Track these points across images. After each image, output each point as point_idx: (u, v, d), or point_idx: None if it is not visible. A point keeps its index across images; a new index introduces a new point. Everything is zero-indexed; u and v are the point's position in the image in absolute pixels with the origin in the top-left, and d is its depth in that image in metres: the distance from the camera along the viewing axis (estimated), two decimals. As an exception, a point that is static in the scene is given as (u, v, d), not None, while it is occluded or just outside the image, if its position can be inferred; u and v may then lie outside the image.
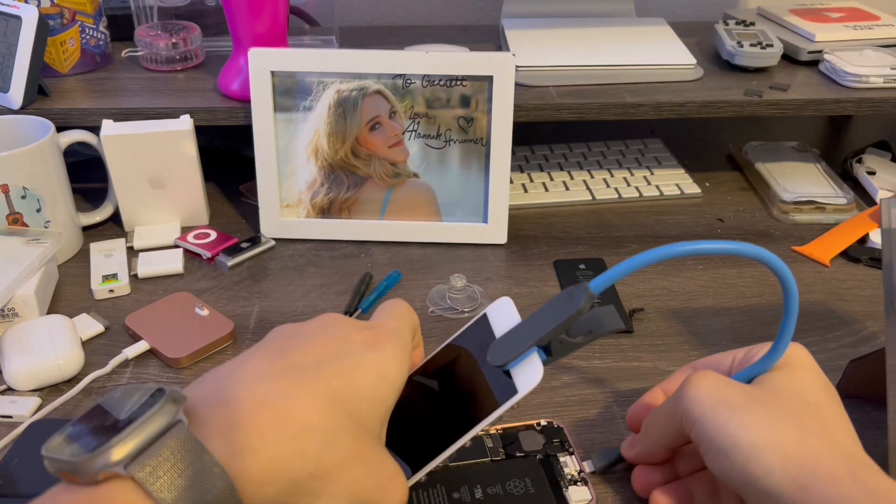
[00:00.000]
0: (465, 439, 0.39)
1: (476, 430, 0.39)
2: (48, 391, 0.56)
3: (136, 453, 0.28)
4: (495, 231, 0.74)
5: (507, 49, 0.85)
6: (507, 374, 0.39)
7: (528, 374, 0.38)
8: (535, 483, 0.46)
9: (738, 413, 0.37)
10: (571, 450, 0.48)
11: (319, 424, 0.32)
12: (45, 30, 0.75)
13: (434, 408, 0.42)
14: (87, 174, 0.82)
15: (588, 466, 0.47)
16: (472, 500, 0.45)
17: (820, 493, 0.34)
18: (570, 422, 0.52)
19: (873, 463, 0.36)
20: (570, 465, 0.47)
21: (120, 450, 0.28)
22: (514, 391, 0.38)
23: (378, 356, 0.36)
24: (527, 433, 0.49)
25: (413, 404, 0.42)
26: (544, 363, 0.39)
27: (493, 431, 0.49)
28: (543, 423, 0.50)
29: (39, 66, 0.75)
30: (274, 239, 0.75)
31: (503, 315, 0.42)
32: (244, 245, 0.73)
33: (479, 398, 0.40)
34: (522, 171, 0.87)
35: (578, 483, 0.46)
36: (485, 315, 0.43)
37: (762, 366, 0.41)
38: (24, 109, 0.74)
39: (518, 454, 0.48)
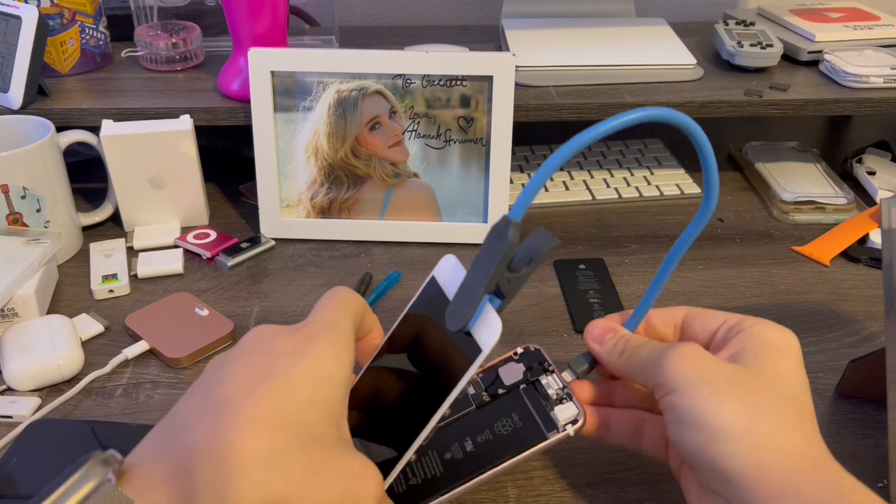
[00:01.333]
0: (441, 411, 0.38)
1: (451, 399, 0.38)
2: (48, 391, 0.56)
3: None
4: (495, 231, 0.74)
5: (507, 49, 0.85)
6: (469, 334, 0.38)
7: (488, 329, 0.37)
8: (521, 416, 0.44)
9: (718, 394, 0.37)
10: (551, 368, 0.45)
11: (260, 452, 0.31)
12: (44, 30, 0.75)
13: (410, 384, 0.41)
14: (87, 174, 0.82)
15: (568, 376, 0.45)
16: (464, 455, 0.43)
17: (784, 484, 0.34)
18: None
19: (838, 464, 0.36)
20: (552, 384, 0.44)
21: None
22: (478, 350, 0.37)
23: (310, 359, 0.34)
24: (506, 367, 0.47)
25: (386, 386, 0.41)
26: (500, 308, 0.38)
27: (474, 378, 0.47)
28: (520, 350, 0.47)
29: (39, 66, 0.75)
30: (274, 239, 0.75)
31: (451, 274, 0.41)
32: (244, 245, 0.73)
33: (448, 364, 0.39)
34: (522, 171, 0.87)
35: (563, 400, 0.43)
36: (433, 278, 0.42)
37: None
38: (23, 109, 0.74)
39: (501, 391, 0.46)
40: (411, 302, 0.43)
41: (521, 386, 0.45)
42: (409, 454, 0.39)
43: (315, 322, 0.37)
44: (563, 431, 0.42)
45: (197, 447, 0.31)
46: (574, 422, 0.42)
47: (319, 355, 0.35)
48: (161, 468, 0.31)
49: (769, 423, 0.36)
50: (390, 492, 0.42)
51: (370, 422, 0.41)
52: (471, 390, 0.46)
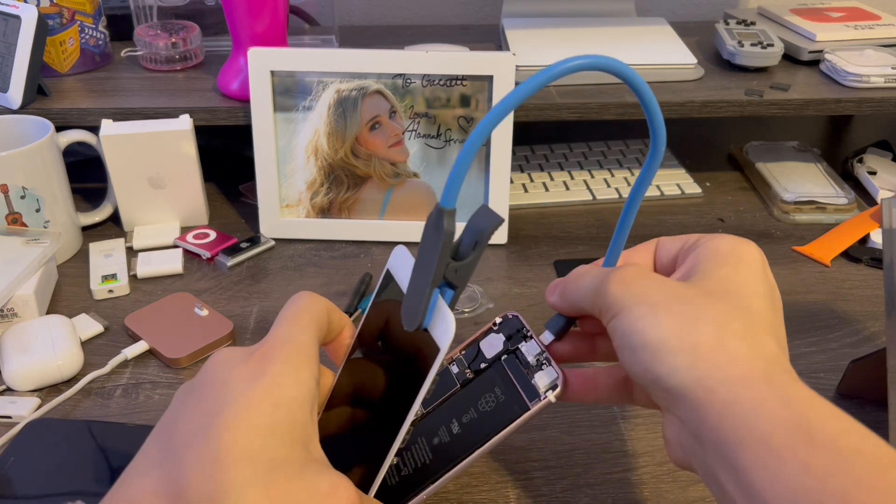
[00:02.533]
0: (412, 414, 0.37)
1: (419, 401, 0.37)
2: (48, 391, 0.56)
3: None
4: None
5: (507, 49, 0.85)
6: (427, 330, 0.36)
7: (443, 325, 0.35)
8: (503, 389, 0.42)
9: (654, 311, 0.34)
10: (529, 333, 0.43)
11: (223, 490, 0.30)
12: (44, 29, 0.75)
13: (386, 379, 0.40)
14: (87, 174, 0.82)
15: (546, 338, 0.43)
16: (451, 437, 0.42)
17: (728, 397, 0.31)
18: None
19: (793, 371, 0.34)
20: (531, 350, 0.42)
21: None
22: (436, 349, 0.35)
23: (265, 382, 0.33)
24: (487, 339, 0.44)
25: (364, 384, 0.40)
26: (455, 299, 0.36)
27: (456, 355, 0.45)
28: (499, 320, 0.45)
29: (39, 66, 0.75)
30: (274, 239, 0.74)
31: (404, 266, 0.39)
32: (244, 245, 0.73)
33: (415, 361, 0.37)
34: (522, 171, 0.87)
35: (543, 366, 0.41)
36: (388, 271, 0.41)
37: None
38: (23, 109, 0.74)
39: (483, 366, 0.43)
40: (371, 298, 0.42)
41: (503, 357, 0.43)
42: (389, 458, 0.38)
43: (271, 340, 0.36)
44: (543, 399, 0.40)
45: (155, 492, 0.31)
46: (554, 387, 0.40)
47: (276, 376, 0.33)
48: None
49: (710, 334, 0.33)
50: (383, 485, 0.41)
51: (353, 422, 0.40)
52: (454, 369, 0.44)
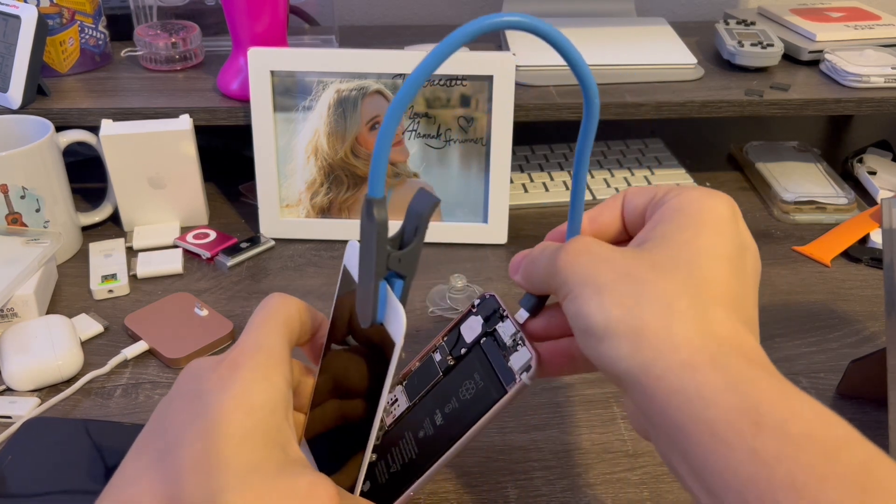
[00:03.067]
0: (379, 413, 0.36)
1: (383, 401, 0.36)
2: (47, 391, 0.56)
3: None
4: (495, 231, 0.74)
5: (507, 49, 0.85)
6: (382, 325, 0.36)
7: (395, 319, 0.35)
8: (482, 374, 0.40)
9: (602, 293, 0.32)
10: (505, 313, 0.41)
11: (197, 498, 0.30)
12: (44, 29, 0.75)
13: (365, 371, 0.39)
14: (87, 174, 0.82)
15: (521, 316, 0.41)
16: (434, 430, 0.41)
17: (673, 384, 0.29)
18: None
19: (749, 346, 0.31)
20: (507, 330, 0.40)
21: None
22: (392, 344, 0.35)
23: (235, 389, 0.33)
24: (467, 322, 0.43)
25: (341, 380, 0.40)
26: (405, 289, 0.36)
27: (438, 342, 0.44)
28: (477, 301, 0.43)
29: (39, 66, 0.75)
30: (273, 239, 0.74)
31: (353, 259, 0.38)
32: (244, 245, 0.73)
33: (379, 356, 0.37)
34: (523, 171, 0.87)
35: (518, 346, 0.39)
36: (345, 268, 0.40)
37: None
38: (23, 109, 0.74)
39: (464, 351, 0.42)
40: (335, 297, 0.41)
41: (482, 340, 0.41)
42: (367, 455, 0.37)
43: (240, 346, 0.35)
44: (518, 382, 0.38)
45: (149, 501, 0.31)
46: (528, 368, 0.38)
47: (246, 383, 0.33)
48: None
49: (656, 316, 0.31)
50: (374, 483, 0.41)
51: (337, 419, 0.40)
52: (437, 357, 0.43)
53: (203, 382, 0.34)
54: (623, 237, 0.39)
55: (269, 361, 0.35)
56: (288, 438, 0.34)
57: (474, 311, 0.42)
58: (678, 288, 0.31)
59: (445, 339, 0.43)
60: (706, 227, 0.34)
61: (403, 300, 0.36)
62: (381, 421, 0.39)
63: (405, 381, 0.43)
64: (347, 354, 0.40)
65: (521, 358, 0.38)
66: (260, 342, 0.36)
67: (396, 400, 0.43)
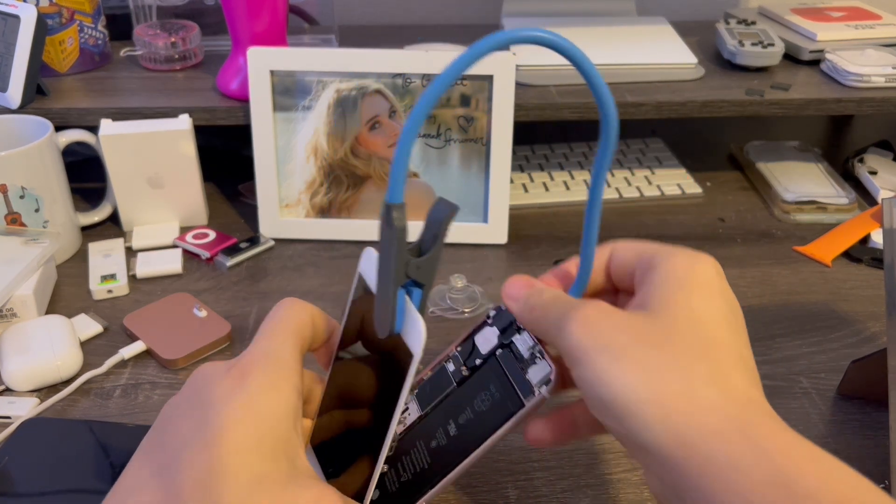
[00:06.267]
0: (394, 423, 0.36)
1: (398, 411, 0.36)
2: (47, 392, 0.55)
3: None
4: (495, 231, 0.74)
5: (508, 48, 0.85)
6: (400, 335, 0.35)
7: (414, 330, 0.34)
8: (498, 386, 0.40)
9: (621, 360, 0.32)
10: (522, 325, 0.41)
11: None
12: (43, 29, 0.75)
13: (375, 381, 0.39)
14: (86, 174, 0.81)
15: None
16: (448, 440, 0.41)
17: (705, 454, 0.29)
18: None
19: (770, 412, 0.31)
20: (525, 342, 0.40)
21: None
22: (410, 355, 0.34)
23: (245, 398, 0.33)
24: (482, 333, 0.43)
25: (352, 388, 0.40)
26: (423, 297, 0.35)
27: (452, 352, 0.44)
28: (493, 312, 0.43)
29: (38, 66, 0.75)
30: (273, 239, 0.74)
31: (370, 267, 0.38)
32: (243, 245, 0.73)
33: (395, 368, 0.36)
34: (523, 171, 0.87)
35: (536, 359, 0.39)
36: (359, 275, 0.40)
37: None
38: (22, 109, 0.74)
39: (479, 362, 0.42)
40: (347, 305, 0.41)
41: (498, 351, 0.41)
42: (379, 466, 0.37)
43: (251, 354, 0.35)
44: (537, 395, 0.37)
45: None
46: (547, 381, 0.37)
47: (256, 391, 0.33)
48: None
49: (679, 382, 0.31)
50: (384, 492, 0.41)
51: (345, 427, 0.40)
52: (450, 367, 0.43)
53: (211, 390, 0.34)
54: (606, 290, 0.40)
55: (278, 370, 0.35)
56: (296, 449, 0.34)
57: (489, 322, 0.42)
58: (693, 352, 0.32)
59: (459, 349, 0.43)
60: (699, 288, 0.34)
61: (422, 310, 0.35)
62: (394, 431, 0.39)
63: (416, 389, 0.43)
64: (359, 362, 0.40)
65: (539, 371, 0.38)
66: (269, 350, 0.35)
67: (407, 408, 0.43)
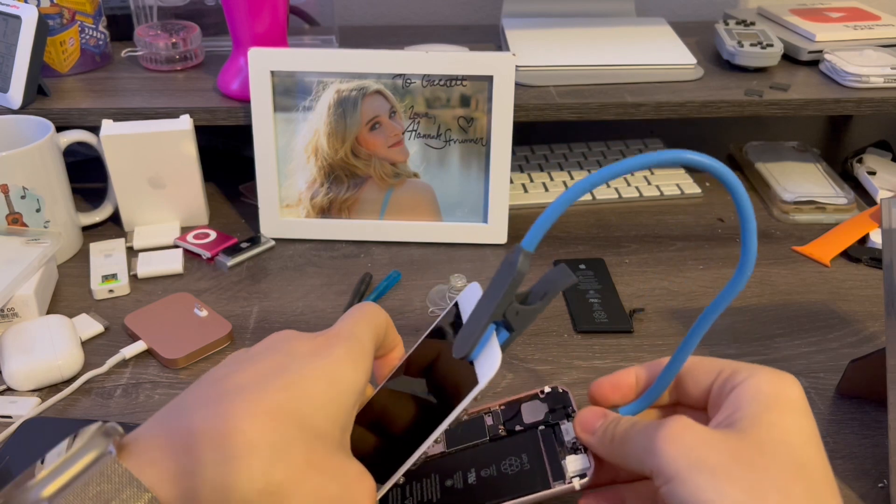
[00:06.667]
0: (433, 437, 0.37)
1: (444, 426, 0.37)
2: (48, 391, 0.56)
3: (61, 485, 0.29)
4: (495, 231, 0.74)
5: (507, 49, 0.85)
6: (473, 363, 0.37)
7: (489, 361, 0.36)
8: (531, 458, 0.42)
9: (717, 477, 0.33)
10: (573, 413, 0.42)
11: (263, 441, 0.31)
12: (44, 30, 0.75)
13: (418, 407, 0.41)
14: (87, 174, 0.82)
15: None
16: (464, 485, 0.42)
17: None
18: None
19: None
20: (570, 430, 0.41)
21: (44, 482, 0.29)
22: (475, 382, 0.36)
23: (326, 362, 0.35)
24: (530, 404, 0.44)
25: (396, 407, 0.41)
26: (509, 340, 0.37)
27: (494, 408, 0.46)
28: (548, 389, 0.44)
29: (39, 66, 0.75)
30: (274, 239, 0.74)
31: (472, 301, 0.40)
32: (244, 245, 0.73)
33: (453, 391, 0.38)
34: (522, 171, 0.87)
35: (578, 450, 0.40)
36: (456, 303, 0.42)
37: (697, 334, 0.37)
38: (23, 109, 0.74)
39: (518, 428, 0.43)
40: (431, 326, 0.43)
41: (540, 427, 0.43)
42: (398, 475, 0.38)
43: (336, 330, 0.38)
44: (568, 484, 0.39)
45: (200, 430, 0.31)
46: (582, 475, 0.39)
47: (337, 360, 0.35)
48: (163, 447, 0.31)
49: (779, 502, 0.32)
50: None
51: (372, 439, 0.41)
52: (488, 421, 0.45)
53: (295, 345, 0.36)
54: (666, 403, 0.41)
55: (359, 350, 0.37)
56: (348, 424, 0.36)
57: (541, 396, 0.44)
58: (789, 473, 0.33)
59: (503, 408, 0.45)
60: (787, 409, 0.35)
61: (504, 349, 0.37)
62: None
63: (454, 426, 0.45)
64: (414, 382, 0.42)
65: (578, 462, 0.39)
66: (353, 333, 0.38)
67: (439, 440, 0.44)
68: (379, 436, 0.41)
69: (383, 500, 0.42)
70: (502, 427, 0.44)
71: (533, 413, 0.44)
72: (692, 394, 0.40)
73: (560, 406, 0.43)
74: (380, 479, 0.39)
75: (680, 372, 0.40)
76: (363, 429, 0.41)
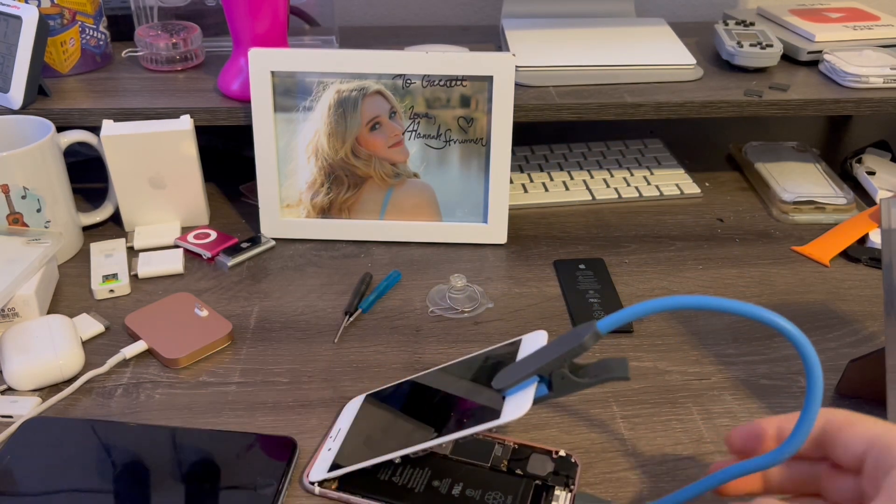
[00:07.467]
0: (428, 444, 0.41)
1: (451, 437, 0.41)
2: (48, 391, 0.56)
3: None
4: (495, 231, 0.74)
5: (507, 49, 0.85)
6: (503, 398, 0.41)
7: (517, 405, 0.39)
8: (514, 503, 0.44)
9: None
10: (573, 488, 0.46)
11: None
12: (45, 30, 0.75)
13: (441, 405, 0.45)
14: (88, 174, 0.82)
15: None
16: (447, 493, 0.45)
17: None
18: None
19: None
20: (561, 500, 0.45)
21: None
22: (496, 416, 0.40)
23: None
24: (540, 456, 0.48)
25: (425, 396, 0.45)
26: (544, 397, 0.40)
27: (507, 442, 0.48)
28: (563, 453, 0.48)
29: (39, 67, 0.75)
30: (274, 239, 0.75)
31: (534, 345, 0.44)
32: (244, 245, 0.73)
33: (471, 409, 0.42)
34: (522, 171, 0.87)
35: None
36: (520, 340, 0.46)
37: (786, 448, 0.38)
38: (24, 109, 0.75)
39: (518, 472, 0.46)
40: (495, 346, 0.48)
41: (537, 482, 0.46)
42: (397, 454, 0.42)
43: None
44: None
45: None
46: None
47: None
48: None
49: None
50: (374, 479, 0.45)
51: (393, 415, 0.46)
52: (497, 451, 0.48)
53: None
54: (813, 456, 0.41)
55: None
56: None
57: (554, 457, 0.48)
58: None
59: (516, 447, 0.48)
60: None
61: (535, 403, 0.41)
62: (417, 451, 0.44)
63: (462, 441, 0.49)
64: (451, 381, 0.46)
65: None
66: None
67: (443, 446, 0.48)
68: (399, 414, 0.45)
69: (375, 467, 0.45)
70: (506, 462, 0.47)
71: (539, 466, 0.47)
72: (842, 458, 0.39)
73: (565, 474, 0.47)
74: (382, 452, 0.43)
75: (829, 429, 0.39)
76: (390, 406, 0.45)
